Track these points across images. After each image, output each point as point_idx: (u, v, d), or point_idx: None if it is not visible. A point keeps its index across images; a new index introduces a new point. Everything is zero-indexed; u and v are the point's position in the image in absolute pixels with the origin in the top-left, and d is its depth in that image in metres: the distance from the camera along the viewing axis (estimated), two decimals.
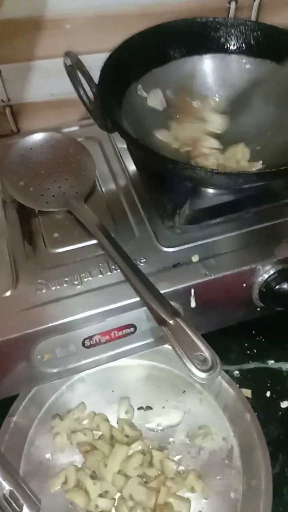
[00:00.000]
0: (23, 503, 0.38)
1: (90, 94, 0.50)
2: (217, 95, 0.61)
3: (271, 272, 0.51)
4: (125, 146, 0.62)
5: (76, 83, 0.48)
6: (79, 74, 0.48)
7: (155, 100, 0.59)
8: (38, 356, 0.48)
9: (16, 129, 0.76)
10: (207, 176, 0.43)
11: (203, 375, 0.42)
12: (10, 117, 0.75)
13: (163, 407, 0.55)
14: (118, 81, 0.54)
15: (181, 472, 0.51)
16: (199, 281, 0.49)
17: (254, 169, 0.53)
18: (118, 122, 0.47)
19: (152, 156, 0.45)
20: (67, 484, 0.50)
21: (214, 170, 0.42)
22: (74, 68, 0.48)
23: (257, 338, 0.61)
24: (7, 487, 0.38)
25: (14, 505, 0.38)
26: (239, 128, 0.58)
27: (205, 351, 0.43)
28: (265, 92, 0.59)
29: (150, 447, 0.52)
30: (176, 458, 0.52)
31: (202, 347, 0.43)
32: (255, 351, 0.60)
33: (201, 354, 0.43)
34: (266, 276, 0.51)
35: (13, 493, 0.38)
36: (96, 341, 0.50)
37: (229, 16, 0.69)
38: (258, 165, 0.54)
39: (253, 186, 0.49)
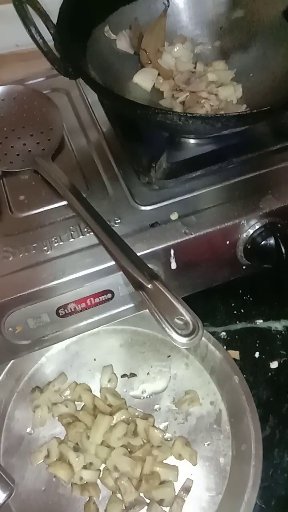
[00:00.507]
0: None
1: (48, 35, 0.45)
2: (193, 35, 0.55)
3: (256, 227, 0.47)
4: (96, 96, 0.57)
5: (26, 21, 0.43)
6: (32, 12, 0.43)
7: (125, 42, 0.53)
8: (10, 329, 0.45)
9: None
10: (181, 121, 0.38)
11: (184, 340, 0.39)
12: None
13: (148, 373, 0.53)
14: (80, 21, 0.48)
15: (168, 439, 0.49)
16: (179, 240, 0.45)
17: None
18: (80, 65, 0.42)
19: (120, 103, 0.40)
20: (50, 458, 0.48)
21: (188, 114, 0.37)
22: (23, 2, 0.42)
23: (244, 298, 0.58)
24: None
25: None
26: (220, 71, 0.53)
27: (186, 315, 0.40)
28: (245, 28, 0.53)
29: (136, 414, 0.50)
30: (162, 425, 0.50)
31: (183, 311, 0.40)
32: (242, 311, 0.57)
33: (182, 318, 0.40)
34: (251, 231, 0.47)
35: None
36: (71, 309, 0.46)
37: None
38: (241, 108, 0.49)
39: (236, 131, 0.44)
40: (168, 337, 0.40)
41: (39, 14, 0.44)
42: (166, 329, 0.40)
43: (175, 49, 0.54)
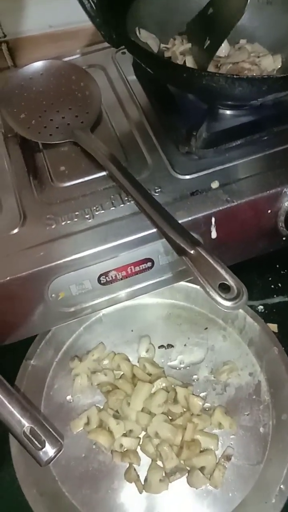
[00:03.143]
0: (45, 440, 0.36)
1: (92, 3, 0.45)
2: None
3: None
4: (132, 73, 0.57)
5: None
6: None
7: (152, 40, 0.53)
8: (53, 295, 0.46)
9: (13, 66, 0.71)
10: (228, 84, 0.38)
11: (228, 303, 0.39)
12: (6, 54, 0.70)
13: (185, 345, 0.53)
14: None
15: (207, 409, 0.49)
16: (220, 208, 0.46)
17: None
18: (124, 31, 0.42)
19: (164, 67, 0.40)
20: (90, 425, 0.49)
21: (234, 76, 0.37)
22: None
23: (282, 272, 0.58)
24: (26, 424, 0.36)
25: (36, 442, 0.36)
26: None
27: (230, 279, 0.40)
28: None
29: (173, 385, 0.50)
30: (201, 395, 0.50)
31: (226, 276, 0.40)
32: (280, 285, 0.57)
33: (225, 283, 0.40)
34: None
35: (34, 430, 0.36)
36: (112, 277, 0.47)
37: None
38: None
39: (276, 100, 0.44)
40: (212, 301, 0.40)
41: None
42: (211, 292, 0.40)
43: None
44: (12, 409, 0.36)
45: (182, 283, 0.53)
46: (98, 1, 0.45)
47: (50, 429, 0.37)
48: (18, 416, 0.36)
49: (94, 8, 0.45)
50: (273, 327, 0.53)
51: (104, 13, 0.44)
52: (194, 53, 0.51)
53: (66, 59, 0.61)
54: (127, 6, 0.50)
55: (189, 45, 0.52)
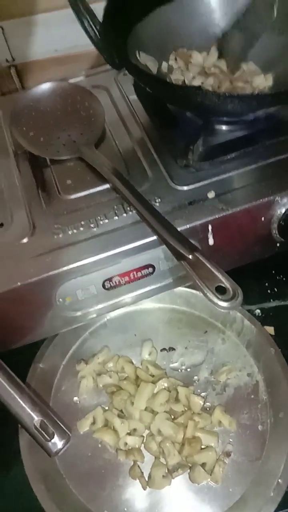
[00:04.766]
0: (54, 432, 0.39)
1: (95, 29, 0.49)
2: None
3: None
4: (133, 92, 0.61)
5: (80, 15, 0.47)
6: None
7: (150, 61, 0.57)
8: (60, 299, 0.48)
9: (21, 88, 0.75)
10: (220, 101, 0.41)
11: (224, 304, 0.42)
12: (15, 77, 0.74)
13: (186, 348, 0.55)
14: (121, 19, 0.53)
15: (207, 408, 0.52)
16: (216, 216, 0.49)
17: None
18: (125, 55, 0.46)
19: (162, 86, 0.44)
20: (96, 425, 0.51)
21: (226, 94, 0.41)
22: (77, 1, 0.47)
23: (278, 278, 0.61)
24: (36, 417, 0.39)
25: (45, 434, 0.39)
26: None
27: (226, 282, 0.43)
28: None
29: (175, 385, 0.52)
30: (202, 395, 0.52)
31: (223, 278, 0.43)
32: (276, 290, 0.60)
33: (222, 285, 0.43)
34: (284, 208, 0.50)
35: (44, 423, 0.39)
36: (116, 282, 0.50)
37: None
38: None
39: (268, 114, 0.47)
40: (210, 302, 0.43)
41: (87, 12, 0.48)
42: (208, 294, 0.42)
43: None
44: (23, 404, 0.39)
45: (182, 288, 0.56)
46: (101, 28, 0.48)
47: (59, 422, 0.40)
48: (29, 410, 0.39)
49: (97, 34, 0.49)
50: (270, 329, 0.56)
51: (106, 39, 0.48)
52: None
53: (72, 80, 0.65)
54: (127, 32, 0.54)
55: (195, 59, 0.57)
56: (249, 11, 0.57)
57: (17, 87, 0.75)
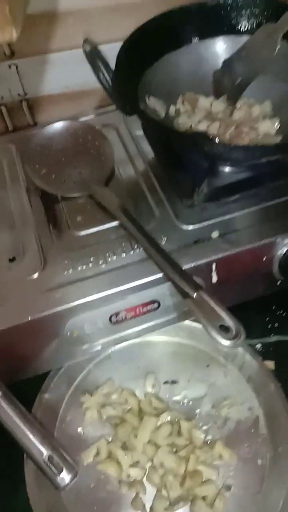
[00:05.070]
0: (62, 467, 0.40)
1: (108, 79, 0.52)
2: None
3: None
4: (141, 132, 0.64)
5: (96, 69, 0.50)
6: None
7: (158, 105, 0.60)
8: (68, 333, 0.50)
9: (32, 122, 0.78)
10: (226, 151, 0.44)
11: (227, 342, 0.43)
12: (26, 111, 0.77)
13: (188, 381, 0.57)
14: (132, 67, 0.56)
15: (209, 441, 0.53)
16: (220, 256, 0.51)
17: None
18: (135, 104, 0.49)
19: (170, 134, 0.47)
20: (99, 456, 0.52)
21: (232, 145, 0.44)
22: (94, 55, 0.50)
23: (278, 313, 0.62)
24: (45, 452, 0.40)
25: (54, 469, 0.40)
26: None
27: (229, 321, 0.45)
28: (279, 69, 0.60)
29: (177, 419, 0.54)
30: (204, 428, 0.54)
31: (226, 317, 0.45)
32: (276, 325, 0.61)
33: (225, 324, 0.45)
34: (285, 249, 0.52)
35: (52, 458, 0.40)
36: (122, 317, 0.52)
37: None
38: (278, 140, 0.55)
39: (271, 160, 0.50)
40: (213, 341, 0.44)
41: (101, 62, 0.51)
42: (212, 332, 0.44)
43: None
44: (33, 438, 0.40)
45: (186, 322, 0.58)
46: (113, 77, 0.51)
47: (67, 457, 0.41)
48: (39, 444, 0.40)
49: (109, 82, 0.52)
50: (271, 364, 0.57)
51: (118, 87, 0.51)
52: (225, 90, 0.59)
53: (83, 118, 0.68)
54: (138, 78, 0.57)
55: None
56: (253, 59, 0.60)
57: (29, 122, 0.78)
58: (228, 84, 0.56)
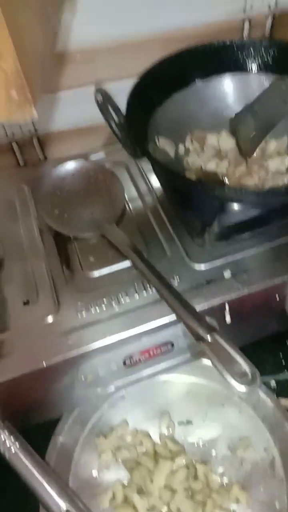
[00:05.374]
0: None
1: (119, 127, 0.53)
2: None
3: None
4: (151, 168, 0.65)
5: (108, 118, 0.51)
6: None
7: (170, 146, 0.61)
8: (82, 377, 0.50)
9: (43, 157, 0.79)
10: (237, 195, 0.44)
11: (243, 388, 0.43)
12: (37, 146, 0.78)
13: (203, 421, 0.56)
14: (142, 111, 0.56)
15: (225, 484, 0.52)
16: (233, 296, 0.51)
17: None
18: (147, 150, 0.49)
19: (179, 181, 0.47)
20: (115, 500, 0.52)
21: (243, 190, 0.44)
22: (106, 103, 0.51)
23: None
24: (63, 505, 0.40)
25: None
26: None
27: (244, 365, 0.44)
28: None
29: (194, 461, 0.53)
30: (220, 470, 0.53)
31: (241, 361, 0.45)
32: None
33: (240, 368, 0.45)
34: None
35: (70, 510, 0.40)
36: (136, 359, 0.51)
37: (244, 35, 0.72)
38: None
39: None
40: (228, 385, 0.44)
41: (112, 107, 0.52)
42: (227, 377, 0.44)
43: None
44: (51, 490, 0.40)
45: (200, 360, 0.58)
46: (124, 123, 0.52)
47: (84, 509, 0.41)
48: (57, 497, 0.40)
49: (118, 127, 0.52)
50: (286, 402, 0.57)
51: (128, 132, 0.52)
52: (239, 142, 0.59)
53: (93, 156, 0.69)
54: (147, 120, 0.58)
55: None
56: (266, 114, 0.59)
57: (39, 157, 0.79)
58: (244, 138, 0.57)
